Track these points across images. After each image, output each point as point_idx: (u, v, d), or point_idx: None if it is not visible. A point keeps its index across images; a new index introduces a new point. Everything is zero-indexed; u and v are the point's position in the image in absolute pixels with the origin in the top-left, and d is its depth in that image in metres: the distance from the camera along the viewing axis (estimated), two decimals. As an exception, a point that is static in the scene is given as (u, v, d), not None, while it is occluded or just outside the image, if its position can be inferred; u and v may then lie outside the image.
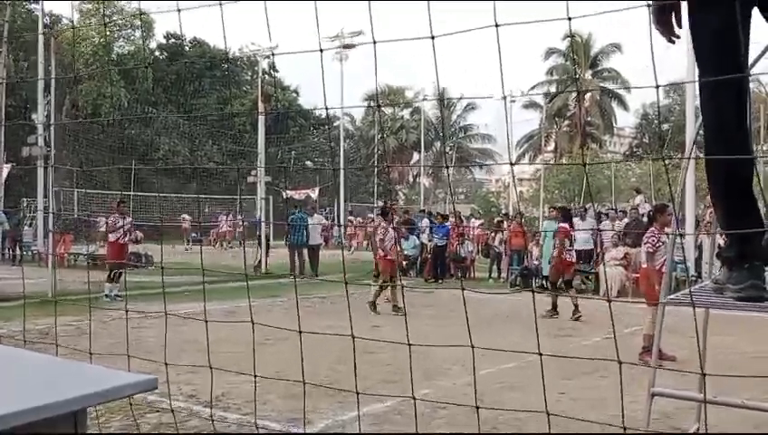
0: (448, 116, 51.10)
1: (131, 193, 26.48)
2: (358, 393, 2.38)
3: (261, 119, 21.00)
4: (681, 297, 2.09)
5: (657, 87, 1.79)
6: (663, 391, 2.00)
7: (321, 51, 2.43)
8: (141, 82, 36.14)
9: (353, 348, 2.41)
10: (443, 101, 46.67)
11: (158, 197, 28.85)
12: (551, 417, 1.94)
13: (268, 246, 18.51)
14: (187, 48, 42.88)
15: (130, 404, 4.82)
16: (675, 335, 6.96)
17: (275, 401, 5.51)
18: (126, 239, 12.51)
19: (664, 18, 2.18)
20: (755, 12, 2.10)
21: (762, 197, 2.19)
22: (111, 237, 12.39)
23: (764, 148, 20.24)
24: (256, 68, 32.93)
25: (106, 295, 11.92)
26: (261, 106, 21.59)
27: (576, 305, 10.58)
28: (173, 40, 42.86)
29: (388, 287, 11.30)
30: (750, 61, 2.17)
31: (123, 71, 35.20)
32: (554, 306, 11.09)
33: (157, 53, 42.34)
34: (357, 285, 12.34)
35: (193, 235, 29.98)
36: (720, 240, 2.64)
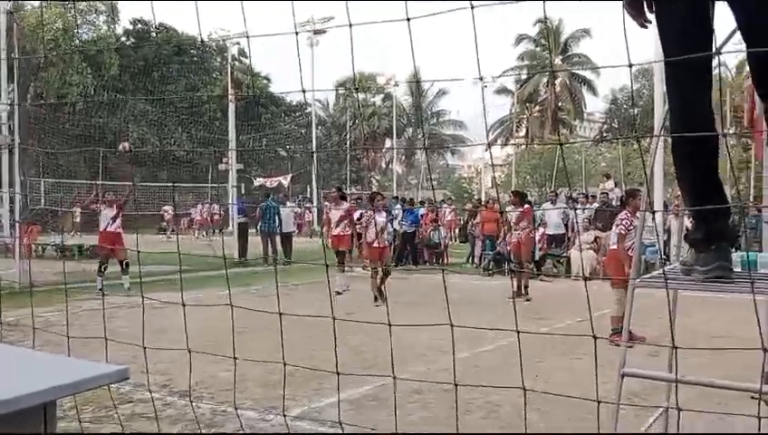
0: (421, 101, 51.11)
1: (100, 182, 26.07)
2: (338, 374, 2.39)
3: (231, 106, 20.80)
4: (651, 279, 2.12)
5: (631, 66, 1.81)
6: (634, 372, 2.03)
7: (297, 33, 2.41)
8: (107, 68, 35.40)
9: (333, 329, 2.41)
10: (419, 84, 46.61)
11: (130, 185, 28.43)
12: (527, 393, 1.96)
13: (247, 235, 18.38)
14: (154, 34, 42.17)
15: (110, 399, 4.77)
16: (643, 317, 7.09)
17: (252, 389, 5.50)
18: (114, 227, 11.98)
19: (636, 3, 2.20)
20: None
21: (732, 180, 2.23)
22: (102, 226, 11.96)
23: (731, 132, 20.58)
24: (226, 54, 32.50)
25: (100, 289, 11.31)
26: (231, 92, 21.36)
27: (526, 287, 11.41)
28: (140, 26, 42.12)
29: (376, 274, 11.23)
30: (716, 47, 2.20)
31: (89, 57, 34.46)
32: (525, 288, 11.34)
33: (123, 39, 41.55)
34: (331, 271, 12.31)
35: (163, 224, 29.69)
36: (688, 223, 2.69)
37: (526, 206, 12.16)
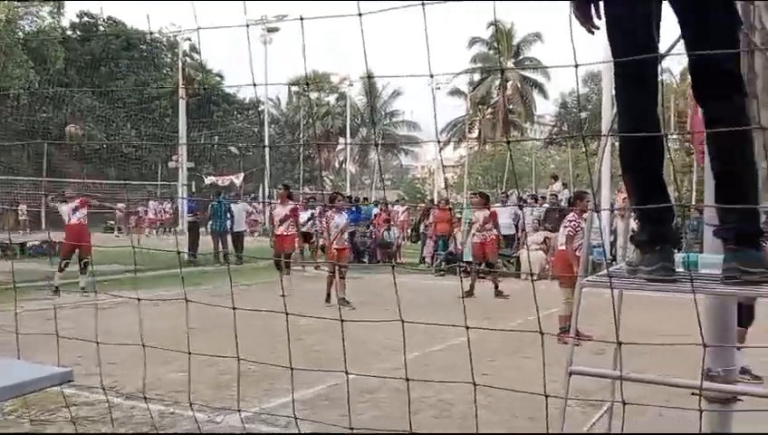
0: (375, 101, 51.16)
1: (44, 179, 25.31)
2: (292, 369, 2.37)
3: (182, 102, 20.47)
4: (597, 279, 2.18)
5: (577, 66, 1.85)
6: (580, 369, 2.08)
7: (248, 26, 2.39)
8: (53, 62, 34.32)
9: (287, 327, 2.40)
10: (371, 82, 46.62)
11: (76, 183, 27.66)
12: (478, 391, 1.99)
13: (197, 234, 18.10)
14: (101, 27, 41.10)
15: (56, 401, 4.64)
16: (591, 316, 7.25)
17: (203, 391, 5.42)
18: (77, 219, 11.19)
19: (583, 8, 2.25)
20: (666, 5, 2.20)
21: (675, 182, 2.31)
22: (66, 220, 11.27)
23: (675, 136, 21.26)
24: (177, 50, 31.88)
25: (56, 288, 10.78)
26: (182, 89, 21.01)
27: (497, 284, 11.52)
28: (87, 19, 41.00)
29: (333, 276, 11.08)
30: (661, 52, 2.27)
31: (32, 50, 33.34)
32: (471, 289, 11.50)
33: (69, 33, 40.36)
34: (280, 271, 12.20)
35: (111, 222, 28.98)
36: (634, 225, 2.78)
37: (492, 210, 12.42)
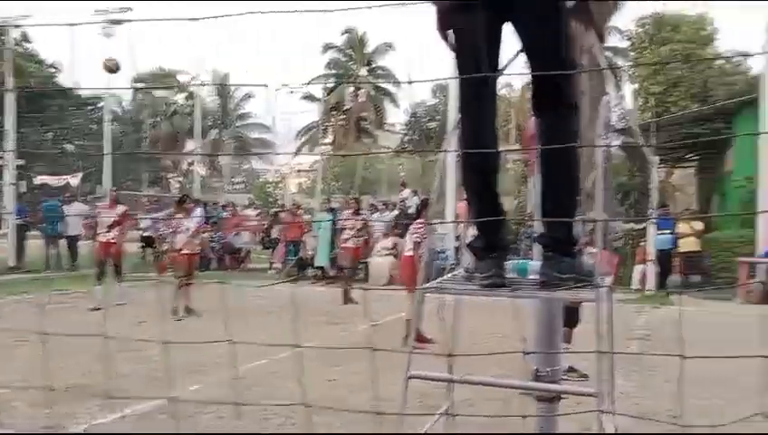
0: (227, 103, 49.98)
1: None
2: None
3: (10, 95, 18.81)
4: (434, 285, 2.25)
5: (411, 82, 1.90)
6: (418, 374, 2.13)
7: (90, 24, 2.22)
8: None
9: (143, 339, 2.24)
10: (224, 86, 45.50)
11: None
12: (316, 406, 1.97)
13: (24, 238, 16.65)
14: None
15: None
16: (435, 321, 7.50)
17: (23, 409, 4.98)
18: None
19: (443, 27, 2.33)
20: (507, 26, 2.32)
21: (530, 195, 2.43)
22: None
23: (512, 149, 22.60)
24: (4, 37, 29.25)
25: None
26: (10, 81, 19.31)
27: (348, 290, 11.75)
28: None
29: (182, 285, 10.52)
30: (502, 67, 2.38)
31: None
32: (347, 294, 11.76)
33: None
34: (124, 280, 11.51)
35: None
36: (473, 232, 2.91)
37: (363, 216, 13.16)
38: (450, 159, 3.63)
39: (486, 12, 2.20)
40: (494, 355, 2.43)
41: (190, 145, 47.64)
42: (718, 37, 22.95)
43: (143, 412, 5.09)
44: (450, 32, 2.34)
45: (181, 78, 44.11)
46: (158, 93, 48.10)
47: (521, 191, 22.12)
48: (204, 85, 40.24)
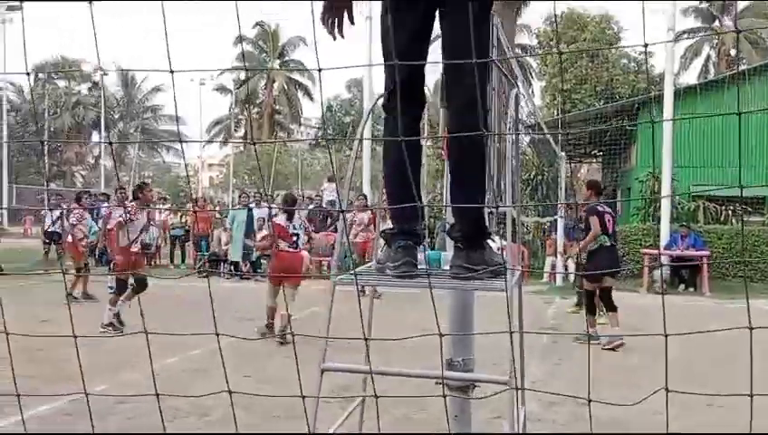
0: (133, 94, 48.19)
1: None
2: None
3: None
4: (347, 276, 2.26)
5: (320, 70, 1.88)
6: (332, 366, 2.14)
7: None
8: None
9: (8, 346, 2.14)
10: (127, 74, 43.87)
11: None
12: (234, 397, 1.94)
13: None
14: None
15: None
16: (356, 314, 7.54)
17: None
18: None
19: (328, 17, 2.33)
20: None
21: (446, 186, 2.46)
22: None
23: (428, 143, 22.91)
24: None
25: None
26: None
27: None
28: None
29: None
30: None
31: None
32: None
33: None
34: (26, 276, 10.98)
35: None
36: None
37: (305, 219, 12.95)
38: (354, 154, 3.67)
39: None
40: (409, 346, 2.47)
41: (96, 137, 45.71)
42: (623, 36, 24.11)
43: (45, 415, 4.87)
44: (345, 20, 2.34)
45: (85, 67, 42.19)
46: (60, 83, 45.84)
47: (435, 186, 22.49)
48: (106, 73, 38.56)
